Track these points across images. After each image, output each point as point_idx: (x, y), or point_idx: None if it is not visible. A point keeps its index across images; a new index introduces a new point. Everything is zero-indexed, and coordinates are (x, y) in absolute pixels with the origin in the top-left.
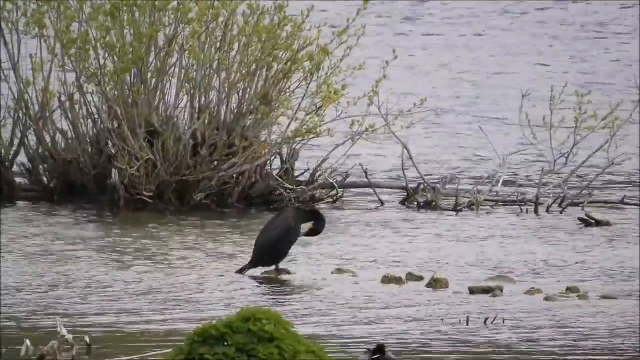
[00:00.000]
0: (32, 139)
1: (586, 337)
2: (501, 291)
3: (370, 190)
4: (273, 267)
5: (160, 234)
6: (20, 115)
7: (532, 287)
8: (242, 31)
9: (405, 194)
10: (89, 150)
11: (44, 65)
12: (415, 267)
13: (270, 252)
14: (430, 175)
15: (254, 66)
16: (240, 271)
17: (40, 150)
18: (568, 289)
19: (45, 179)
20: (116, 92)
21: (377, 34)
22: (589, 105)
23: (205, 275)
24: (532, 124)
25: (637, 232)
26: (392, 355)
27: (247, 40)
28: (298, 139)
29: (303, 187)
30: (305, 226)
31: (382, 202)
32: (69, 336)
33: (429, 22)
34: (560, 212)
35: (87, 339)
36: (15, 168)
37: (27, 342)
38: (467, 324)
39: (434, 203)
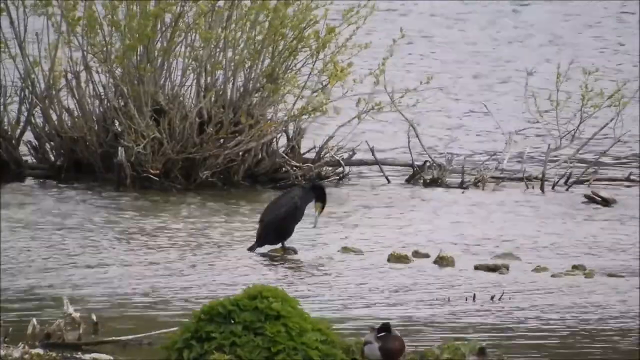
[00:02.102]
0: (38, 117)
1: (592, 314)
2: (507, 269)
3: (377, 167)
4: (279, 245)
5: (166, 212)
6: (27, 93)
7: (539, 265)
8: (249, 10)
9: (412, 171)
10: (96, 128)
11: (51, 45)
12: (421, 245)
13: (276, 230)
14: (436, 147)
15: (260, 44)
16: (251, 249)
17: (47, 129)
18: (574, 266)
19: (52, 157)
20: (123, 70)
21: (385, 16)
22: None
23: (211, 254)
24: (539, 102)
25: None
26: (397, 334)
27: (254, 18)
28: (304, 116)
29: (309, 164)
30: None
31: (388, 180)
32: (76, 314)
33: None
34: (567, 190)
35: (94, 317)
36: (21, 146)
37: (34, 320)
38: (474, 302)
39: (440, 180)
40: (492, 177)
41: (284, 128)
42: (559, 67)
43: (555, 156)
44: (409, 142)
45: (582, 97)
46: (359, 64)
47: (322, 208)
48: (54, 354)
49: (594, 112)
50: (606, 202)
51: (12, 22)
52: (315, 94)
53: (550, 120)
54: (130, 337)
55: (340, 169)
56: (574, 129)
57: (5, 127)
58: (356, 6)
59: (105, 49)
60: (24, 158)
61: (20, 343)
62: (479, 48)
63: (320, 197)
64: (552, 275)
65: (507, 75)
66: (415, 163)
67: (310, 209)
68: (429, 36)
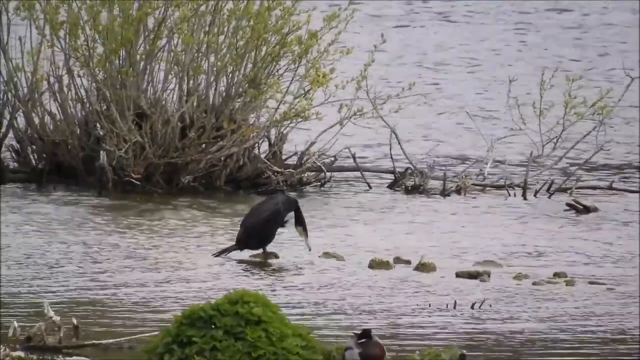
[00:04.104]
0: (21, 120)
1: (574, 322)
2: (488, 276)
3: (358, 174)
4: (260, 250)
5: (148, 217)
6: (9, 97)
7: (520, 273)
8: (232, 14)
9: (393, 178)
10: (78, 132)
11: (34, 49)
12: (402, 251)
13: (258, 235)
14: (418, 154)
15: (243, 49)
16: (220, 253)
17: (29, 132)
18: (556, 274)
19: (33, 160)
20: (105, 75)
21: (370, 20)
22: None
23: (193, 259)
24: (522, 110)
25: (624, 218)
26: (378, 340)
27: (237, 23)
28: (286, 122)
29: (291, 170)
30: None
31: (370, 186)
32: (57, 318)
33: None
34: (549, 197)
35: (74, 320)
36: (3, 149)
37: (15, 323)
38: (455, 309)
39: (421, 187)
40: (474, 184)
41: (266, 133)
42: (543, 74)
43: (539, 166)
44: (390, 148)
45: (565, 104)
46: (343, 69)
47: (305, 230)
48: (34, 357)
49: (577, 120)
50: (587, 210)
51: None
52: (297, 99)
53: (533, 128)
54: (110, 340)
55: (322, 175)
56: (556, 137)
57: None
58: (338, 10)
59: (87, 52)
60: (5, 162)
61: (1, 346)
62: (465, 52)
63: (299, 220)
64: (534, 283)
65: (491, 80)
66: (397, 169)
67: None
68: (413, 39)
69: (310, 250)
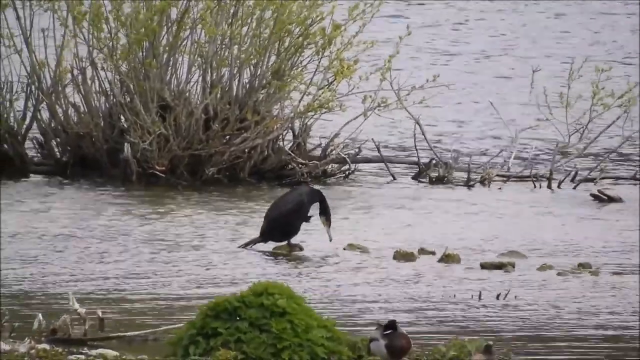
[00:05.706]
0: (44, 113)
1: (597, 313)
2: (513, 267)
3: (383, 165)
4: (285, 242)
5: (172, 209)
6: (33, 89)
7: (544, 264)
8: (255, 5)
9: (418, 169)
10: (102, 124)
11: (58, 44)
12: (427, 242)
13: (282, 226)
14: (443, 145)
15: (266, 41)
16: (245, 246)
17: (52, 125)
18: (580, 265)
19: (57, 153)
20: (129, 66)
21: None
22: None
23: (217, 251)
24: (550, 100)
25: None
26: (403, 331)
27: (260, 14)
28: (310, 113)
29: (315, 161)
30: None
31: (394, 177)
32: (82, 310)
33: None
34: (574, 188)
35: (99, 313)
36: (27, 142)
37: (40, 316)
38: (480, 300)
39: (446, 178)
40: (499, 175)
41: (290, 125)
42: (572, 64)
43: (564, 154)
44: (414, 139)
45: (593, 94)
46: (366, 60)
47: (329, 220)
48: (60, 350)
49: (604, 112)
50: (612, 201)
51: (18, 18)
52: (321, 90)
53: (559, 118)
54: (135, 332)
55: (346, 166)
56: (582, 127)
57: (12, 123)
58: (362, 3)
59: (111, 43)
60: (29, 154)
61: (27, 338)
62: (488, 45)
63: (324, 211)
64: (558, 274)
65: (516, 72)
66: (421, 161)
67: (316, 209)
68: (437, 32)
69: (331, 240)
